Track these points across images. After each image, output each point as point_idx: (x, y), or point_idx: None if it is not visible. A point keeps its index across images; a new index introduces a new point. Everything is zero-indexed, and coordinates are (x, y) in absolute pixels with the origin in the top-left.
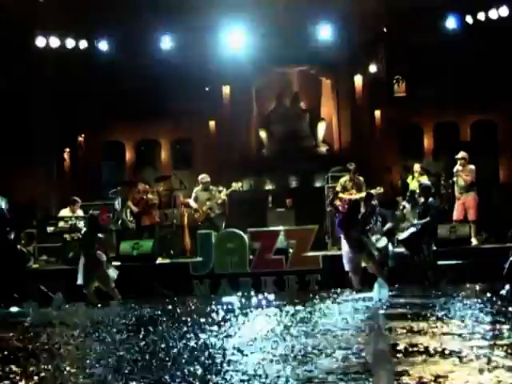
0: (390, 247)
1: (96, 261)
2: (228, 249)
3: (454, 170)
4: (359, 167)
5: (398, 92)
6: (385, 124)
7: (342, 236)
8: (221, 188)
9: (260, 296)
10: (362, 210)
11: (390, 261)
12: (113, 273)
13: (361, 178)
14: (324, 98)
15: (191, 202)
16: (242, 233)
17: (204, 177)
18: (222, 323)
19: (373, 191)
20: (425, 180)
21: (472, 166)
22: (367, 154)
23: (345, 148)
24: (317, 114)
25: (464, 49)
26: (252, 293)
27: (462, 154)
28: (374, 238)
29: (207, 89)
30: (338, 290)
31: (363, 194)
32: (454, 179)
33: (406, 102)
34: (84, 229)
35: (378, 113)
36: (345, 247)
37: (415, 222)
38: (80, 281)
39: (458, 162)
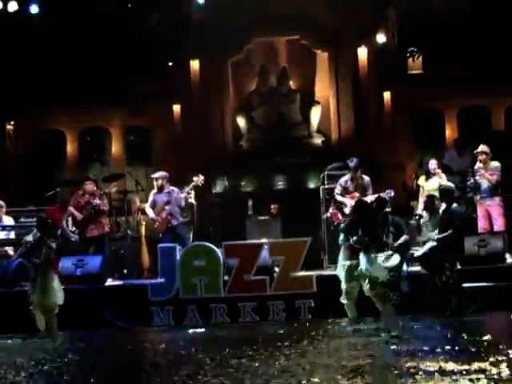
0: (404, 266)
1: (51, 278)
2: (196, 267)
3: (476, 167)
4: (363, 164)
5: (412, 68)
6: (396, 109)
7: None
8: (187, 189)
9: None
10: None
11: (403, 283)
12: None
13: (366, 178)
14: (319, 75)
15: (148, 209)
16: (214, 247)
17: (159, 175)
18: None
19: (381, 195)
20: (445, 181)
21: (496, 163)
22: (374, 146)
23: (345, 139)
24: (310, 96)
25: (498, 14)
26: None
27: (482, 148)
28: (383, 255)
29: (170, 64)
30: (337, 320)
31: (370, 198)
32: (478, 179)
33: (424, 81)
34: (26, 238)
35: (387, 94)
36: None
37: (435, 234)
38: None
39: (479, 158)
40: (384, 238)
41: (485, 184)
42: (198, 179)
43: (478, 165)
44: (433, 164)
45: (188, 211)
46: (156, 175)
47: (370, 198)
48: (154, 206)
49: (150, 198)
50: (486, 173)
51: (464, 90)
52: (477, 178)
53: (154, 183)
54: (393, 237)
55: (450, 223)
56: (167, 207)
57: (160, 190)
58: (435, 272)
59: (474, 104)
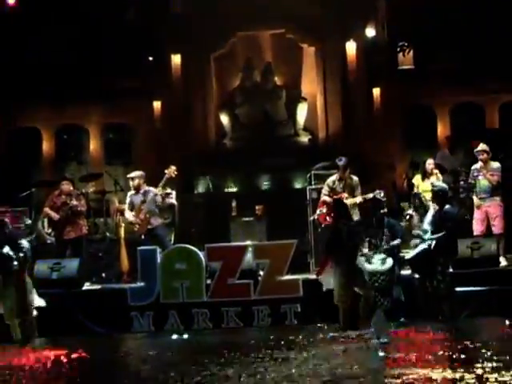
0: (397, 270)
1: (23, 282)
2: (178, 271)
3: (473, 167)
4: (352, 163)
5: (403, 63)
6: (386, 106)
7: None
8: (169, 190)
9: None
10: (356, 217)
11: (395, 288)
12: (38, 300)
13: (354, 178)
14: (306, 70)
15: (127, 212)
16: (196, 249)
17: (135, 175)
18: None
19: (370, 195)
20: (439, 181)
21: (497, 164)
22: (362, 145)
23: (333, 137)
24: (296, 92)
25: (492, 7)
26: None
27: (482, 147)
28: (376, 258)
29: (151, 58)
30: (325, 326)
31: (358, 199)
32: (472, 180)
33: (415, 77)
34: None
35: (377, 91)
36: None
37: (426, 236)
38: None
39: (480, 158)
40: (377, 241)
41: (485, 185)
42: (170, 170)
43: (480, 164)
44: (430, 164)
45: (169, 212)
46: (132, 175)
47: (358, 199)
48: (132, 207)
49: (127, 199)
50: (487, 173)
51: (457, 86)
52: (479, 178)
53: (130, 183)
54: (386, 239)
55: (442, 225)
56: (143, 206)
57: (136, 190)
58: (426, 276)
59: (467, 101)
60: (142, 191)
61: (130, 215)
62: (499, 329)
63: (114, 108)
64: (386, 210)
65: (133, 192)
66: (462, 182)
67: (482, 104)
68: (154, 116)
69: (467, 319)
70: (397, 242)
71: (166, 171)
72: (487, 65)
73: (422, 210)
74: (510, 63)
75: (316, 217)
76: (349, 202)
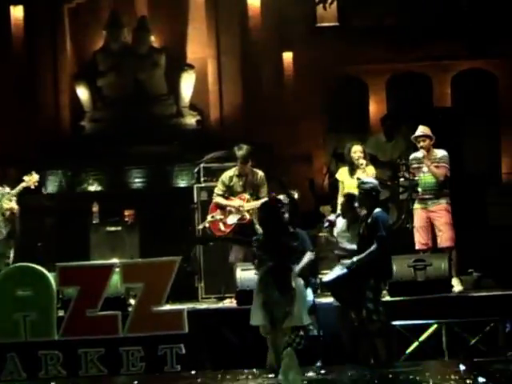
0: (310, 295)
1: None
2: (19, 299)
3: (413, 156)
4: (255, 153)
5: (324, 19)
6: (301, 75)
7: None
8: (7, 189)
9: None
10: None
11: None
12: None
13: (259, 173)
14: (193, 28)
15: None
16: (44, 270)
17: None
18: None
19: (281, 197)
20: (366, 176)
21: (443, 152)
22: (269, 129)
23: (230, 119)
24: (180, 58)
25: None
26: None
27: (424, 130)
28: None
29: None
30: (218, 373)
31: (261, 203)
32: (415, 176)
33: (339, 38)
34: None
35: (288, 56)
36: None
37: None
38: None
39: (420, 145)
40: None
41: (428, 181)
42: (31, 179)
43: (423, 153)
44: (357, 152)
45: (5, 220)
46: None
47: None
48: None
49: None
50: (431, 164)
51: (396, 49)
52: (422, 171)
53: None
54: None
55: (371, 236)
56: None
57: None
58: (352, 304)
59: (408, 70)
60: None
61: None
62: (452, 374)
63: None
64: (286, 215)
65: None
66: (402, 179)
67: (428, 74)
68: None
69: (409, 363)
70: (308, 257)
71: (24, 178)
72: (436, 22)
73: (350, 215)
74: (467, 19)
75: (207, 225)
76: (249, 206)
